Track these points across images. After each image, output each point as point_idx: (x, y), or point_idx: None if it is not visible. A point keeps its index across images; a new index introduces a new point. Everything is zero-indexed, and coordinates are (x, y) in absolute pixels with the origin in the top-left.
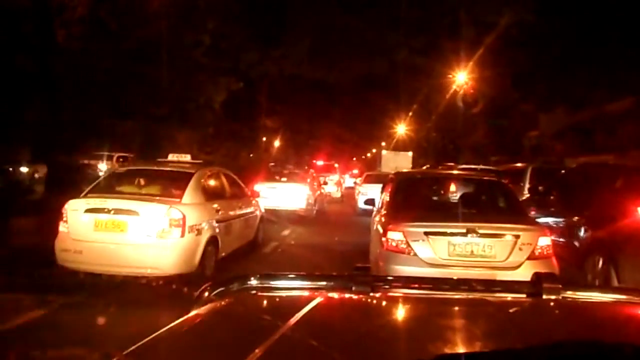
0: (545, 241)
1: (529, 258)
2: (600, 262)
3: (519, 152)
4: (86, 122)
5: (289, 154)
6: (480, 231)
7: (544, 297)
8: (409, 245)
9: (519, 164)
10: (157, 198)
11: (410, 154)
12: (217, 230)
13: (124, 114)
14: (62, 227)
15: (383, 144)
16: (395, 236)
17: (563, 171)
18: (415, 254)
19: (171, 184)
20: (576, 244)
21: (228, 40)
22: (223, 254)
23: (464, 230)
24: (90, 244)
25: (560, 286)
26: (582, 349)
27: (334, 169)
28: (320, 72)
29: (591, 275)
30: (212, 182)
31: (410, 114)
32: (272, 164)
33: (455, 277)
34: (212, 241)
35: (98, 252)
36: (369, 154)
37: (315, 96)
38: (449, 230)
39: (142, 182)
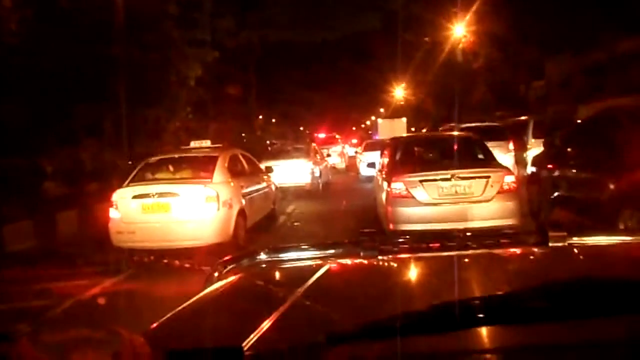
0: (510, 179)
1: (498, 192)
2: (635, 217)
3: (525, 105)
4: (41, 115)
5: (285, 130)
6: (461, 175)
7: (551, 244)
8: (408, 191)
9: (522, 117)
10: (192, 180)
11: (404, 119)
12: (244, 203)
13: (85, 100)
14: (112, 214)
15: (382, 110)
16: (398, 185)
17: (579, 120)
18: (414, 197)
19: (200, 167)
20: (605, 198)
21: (199, 8)
22: (250, 224)
23: (449, 176)
24: (141, 225)
25: (566, 233)
26: (589, 287)
27: (336, 141)
28: (308, 35)
29: None
30: (234, 162)
31: (408, 77)
32: (275, 142)
33: (445, 212)
34: (241, 213)
35: (148, 231)
36: (368, 122)
37: (306, 63)
38: (437, 177)
39: (175, 168)
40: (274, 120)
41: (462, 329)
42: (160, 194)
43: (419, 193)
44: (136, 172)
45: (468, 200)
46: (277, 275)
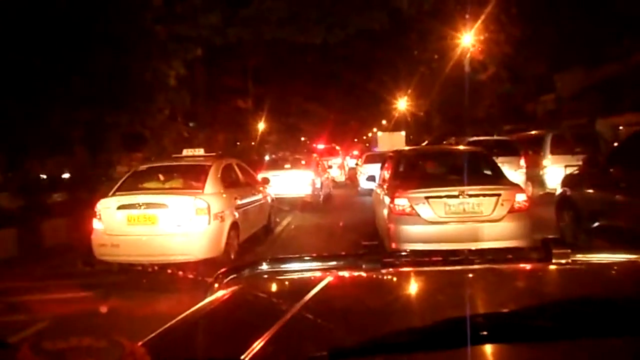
0: (521, 197)
1: (509, 212)
2: None
3: (533, 119)
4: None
5: (282, 139)
6: (470, 192)
7: (554, 261)
8: (413, 208)
9: (533, 132)
10: (182, 190)
11: (403, 133)
12: (237, 216)
13: (51, 104)
14: (96, 225)
15: (384, 122)
16: (401, 202)
17: (627, 137)
18: (418, 215)
19: (192, 176)
20: None
21: (182, 1)
22: (243, 238)
23: (457, 193)
24: (125, 237)
25: (569, 250)
26: (594, 306)
27: (336, 152)
28: (307, 34)
29: None
30: (227, 173)
31: (412, 87)
32: (274, 152)
33: (452, 231)
34: (234, 226)
35: (133, 245)
36: (370, 134)
37: (305, 69)
38: (444, 194)
39: (165, 177)
40: (273, 131)
41: (465, 347)
42: (147, 205)
43: (424, 210)
44: (123, 181)
45: (476, 219)
46: (278, 286)
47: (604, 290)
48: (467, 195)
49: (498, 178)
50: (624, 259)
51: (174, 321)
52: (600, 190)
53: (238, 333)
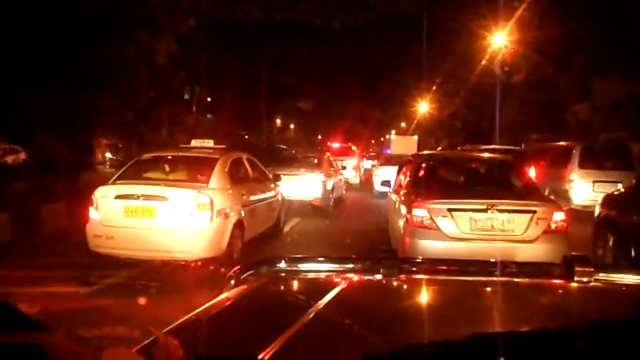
0: (559, 216)
1: (544, 232)
2: None
3: (563, 129)
4: None
5: (299, 137)
6: (500, 207)
7: (576, 279)
8: (433, 221)
9: (561, 143)
10: (185, 183)
11: (415, 137)
12: (243, 214)
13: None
14: (92, 214)
15: (403, 124)
16: (420, 213)
17: None
18: (439, 229)
19: (197, 169)
20: None
21: None
22: (248, 238)
23: (485, 207)
24: (122, 229)
25: (593, 269)
26: (615, 330)
27: (352, 152)
28: (325, 16)
29: None
30: (236, 167)
31: (436, 88)
32: (283, 147)
33: (477, 250)
34: (239, 225)
35: (129, 238)
36: (388, 136)
37: (321, 54)
38: (470, 207)
39: (169, 168)
40: (292, 126)
41: None
42: (146, 196)
43: (446, 224)
44: (125, 169)
45: (506, 238)
46: (297, 286)
47: (626, 313)
48: (497, 210)
49: (533, 192)
50: None
51: (190, 315)
52: None
53: (256, 331)
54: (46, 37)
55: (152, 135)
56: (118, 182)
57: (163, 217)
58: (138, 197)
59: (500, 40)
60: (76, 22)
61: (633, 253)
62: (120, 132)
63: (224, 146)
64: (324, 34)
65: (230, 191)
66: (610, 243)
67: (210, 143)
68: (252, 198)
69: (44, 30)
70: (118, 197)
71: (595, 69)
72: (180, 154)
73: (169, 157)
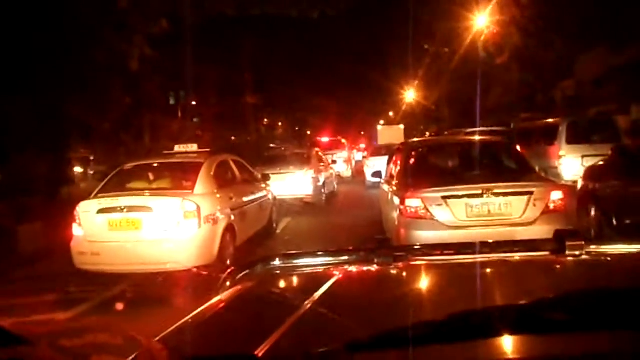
0: (557, 195)
1: (543, 212)
2: None
3: (552, 106)
4: None
5: (287, 134)
6: (496, 191)
7: (568, 253)
8: (428, 211)
9: (550, 120)
10: (169, 191)
11: (401, 126)
12: (233, 217)
13: None
14: (75, 230)
15: (390, 114)
16: (413, 203)
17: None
18: (434, 218)
19: (181, 175)
20: None
21: None
22: (241, 241)
23: (480, 192)
24: (107, 244)
25: (583, 242)
26: (609, 298)
27: (342, 145)
28: (302, 7)
29: None
30: (222, 170)
31: (420, 76)
32: (272, 146)
33: (475, 237)
34: (229, 229)
35: (116, 252)
36: (379, 127)
37: (302, 55)
38: (465, 193)
39: (152, 177)
40: (280, 124)
41: (479, 339)
42: (130, 208)
43: (442, 213)
44: (107, 181)
45: (504, 222)
46: (291, 282)
47: (619, 282)
48: (493, 194)
49: (528, 173)
50: (639, 250)
51: (188, 317)
52: (634, 184)
53: (252, 329)
54: (5, 43)
55: (135, 144)
56: (100, 195)
57: (149, 228)
58: (122, 210)
59: (482, 21)
60: (40, 27)
61: (615, 222)
62: (99, 143)
63: (208, 150)
64: (304, 25)
65: (217, 195)
66: (593, 214)
67: (194, 147)
68: (242, 200)
69: (4, 36)
70: (101, 211)
71: (577, 44)
72: (164, 160)
73: (152, 165)
